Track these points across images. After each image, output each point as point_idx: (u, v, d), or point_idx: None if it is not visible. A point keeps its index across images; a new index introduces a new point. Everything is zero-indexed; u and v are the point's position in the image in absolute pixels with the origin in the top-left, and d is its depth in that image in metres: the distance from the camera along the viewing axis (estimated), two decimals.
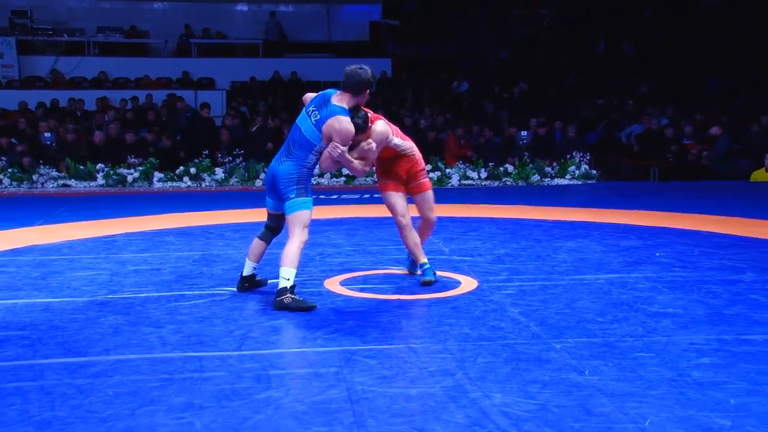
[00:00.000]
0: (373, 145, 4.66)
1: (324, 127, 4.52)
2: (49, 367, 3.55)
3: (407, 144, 5.02)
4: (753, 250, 6.16)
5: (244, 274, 4.94)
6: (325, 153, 4.58)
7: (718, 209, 8.41)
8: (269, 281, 5.04)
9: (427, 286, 4.98)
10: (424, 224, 5.20)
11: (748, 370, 3.42)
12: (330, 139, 4.53)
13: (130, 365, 3.57)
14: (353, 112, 4.58)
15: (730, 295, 4.74)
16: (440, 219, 5.94)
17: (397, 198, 5.00)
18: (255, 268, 4.96)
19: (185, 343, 3.89)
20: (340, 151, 4.51)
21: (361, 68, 4.57)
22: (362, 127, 4.63)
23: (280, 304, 4.48)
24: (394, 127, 4.98)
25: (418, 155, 5.08)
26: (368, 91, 4.65)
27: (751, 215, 7.90)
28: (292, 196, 4.56)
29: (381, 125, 4.77)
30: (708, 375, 3.36)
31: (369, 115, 4.75)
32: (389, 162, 5.00)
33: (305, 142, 4.59)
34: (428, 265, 5.06)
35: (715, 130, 12.72)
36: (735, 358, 3.57)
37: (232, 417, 2.98)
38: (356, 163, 4.65)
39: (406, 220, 5.00)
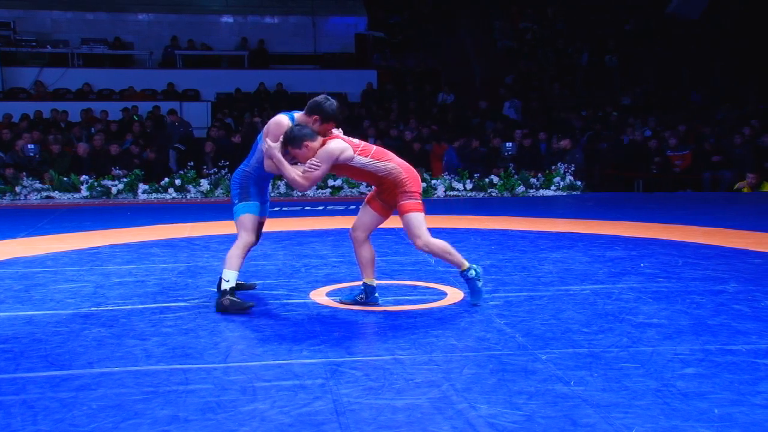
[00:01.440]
0: (316, 162, 4.50)
1: (264, 128, 4.72)
2: (32, 381, 3.51)
3: (381, 164, 4.61)
4: (736, 260, 6.21)
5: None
6: (264, 151, 4.65)
7: (702, 220, 8.48)
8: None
9: (344, 304, 4.84)
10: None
11: (732, 380, 3.44)
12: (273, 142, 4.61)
13: (114, 378, 3.54)
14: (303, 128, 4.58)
15: (713, 305, 4.77)
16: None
17: (363, 210, 4.82)
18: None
19: (170, 356, 3.87)
20: (268, 146, 4.56)
21: (326, 98, 4.66)
22: (309, 136, 4.52)
23: (219, 305, 4.68)
24: (373, 147, 4.73)
25: (402, 176, 4.62)
26: (321, 118, 4.58)
27: (734, 226, 7.97)
28: (236, 201, 4.83)
29: (334, 143, 4.56)
30: (692, 385, 3.38)
31: (336, 135, 4.66)
32: (376, 180, 4.74)
33: (253, 147, 4.81)
34: (365, 289, 4.79)
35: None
36: (719, 368, 3.59)
37: (218, 430, 2.97)
38: (288, 167, 4.52)
39: (354, 234, 4.78)
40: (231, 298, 4.65)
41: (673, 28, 18.45)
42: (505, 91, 16.61)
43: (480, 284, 4.75)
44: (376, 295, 4.83)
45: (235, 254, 4.73)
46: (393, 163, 4.66)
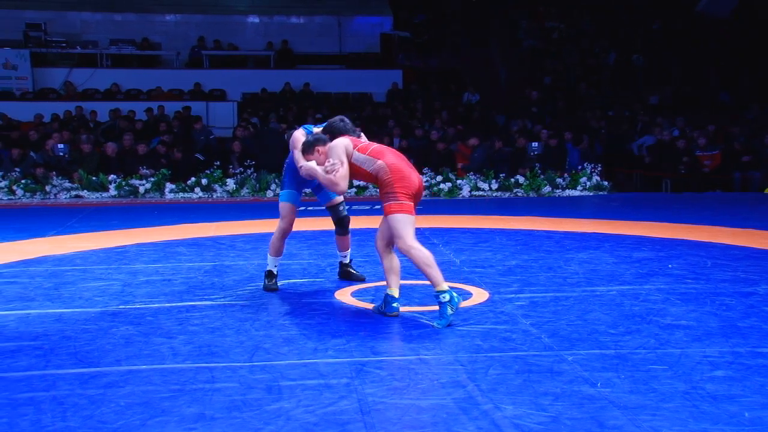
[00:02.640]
0: (332, 160, 4.56)
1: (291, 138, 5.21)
2: (61, 378, 3.56)
3: (375, 163, 4.51)
4: (767, 262, 6.11)
5: (341, 261, 5.66)
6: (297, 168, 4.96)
7: (731, 221, 8.37)
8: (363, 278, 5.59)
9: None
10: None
11: (763, 383, 3.39)
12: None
13: (141, 376, 3.58)
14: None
15: (744, 307, 4.70)
16: (452, 230, 5.95)
17: (382, 218, 4.68)
18: (345, 257, 5.61)
19: (196, 354, 3.89)
20: (301, 165, 4.84)
21: (341, 119, 4.94)
22: (320, 141, 4.77)
23: (264, 286, 5.35)
24: (373, 145, 4.68)
25: (387, 176, 4.45)
26: (331, 137, 4.78)
27: (764, 227, 7.85)
28: (279, 191, 5.46)
29: (336, 140, 4.66)
30: (722, 388, 3.33)
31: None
32: (374, 181, 4.64)
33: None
34: (385, 298, 4.66)
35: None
36: (749, 371, 3.54)
37: (243, 428, 2.98)
38: (321, 173, 4.63)
39: (376, 244, 4.68)
40: (267, 281, 5.31)
41: (702, 27, 18.21)
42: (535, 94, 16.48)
43: (450, 312, 4.32)
44: (395, 305, 4.57)
45: (272, 240, 5.32)
46: (383, 161, 4.49)
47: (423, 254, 4.39)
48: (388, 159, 4.53)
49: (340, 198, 5.42)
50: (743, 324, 4.33)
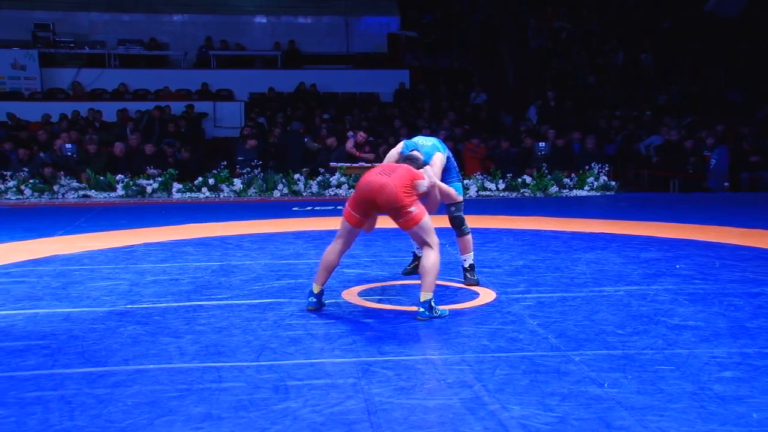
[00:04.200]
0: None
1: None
2: (69, 377, 3.57)
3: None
4: None
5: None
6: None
7: (739, 221, 8.33)
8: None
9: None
10: None
11: None
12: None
13: (148, 375, 3.59)
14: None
15: (752, 308, 4.68)
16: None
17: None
18: (464, 260, 5.47)
19: (203, 354, 3.90)
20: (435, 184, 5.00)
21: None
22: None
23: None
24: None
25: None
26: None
27: None
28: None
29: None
30: (730, 389, 3.32)
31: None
32: None
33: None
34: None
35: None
36: (757, 372, 3.53)
37: (250, 427, 2.99)
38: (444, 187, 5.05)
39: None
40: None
41: (711, 26, 18.13)
42: (536, 92, 16.45)
43: (425, 314, 4.46)
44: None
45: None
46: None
47: (325, 261, 4.71)
48: (366, 176, 4.72)
49: (458, 198, 5.32)
50: (751, 325, 4.31)
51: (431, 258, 4.53)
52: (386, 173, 4.61)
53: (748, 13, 18.06)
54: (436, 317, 4.47)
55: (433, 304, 4.49)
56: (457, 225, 5.37)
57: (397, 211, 4.52)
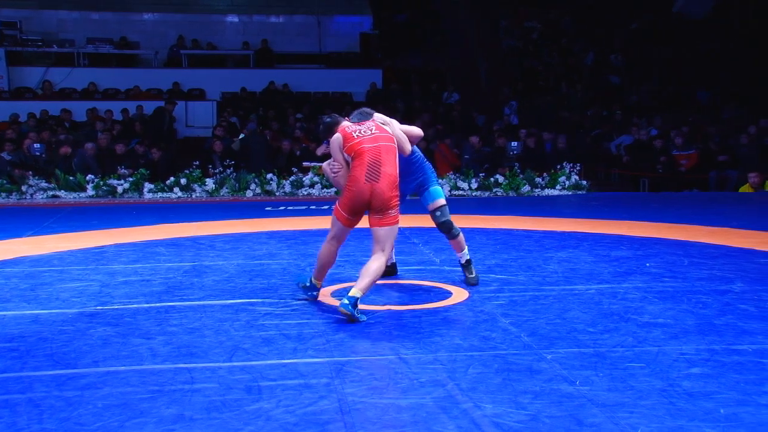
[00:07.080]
0: (333, 161, 4.83)
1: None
2: (38, 380, 3.52)
3: (349, 165, 4.74)
4: (742, 260, 6.19)
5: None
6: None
7: (708, 220, 8.45)
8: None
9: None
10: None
11: (738, 380, 3.43)
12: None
13: (119, 377, 3.55)
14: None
15: (719, 305, 4.75)
16: (432, 229, 5.96)
17: None
18: (461, 258, 5.45)
19: (175, 355, 3.87)
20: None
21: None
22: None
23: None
24: (359, 138, 4.67)
25: (347, 184, 4.71)
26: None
27: (740, 226, 7.94)
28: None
29: (332, 138, 4.83)
30: (698, 385, 3.37)
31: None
32: None
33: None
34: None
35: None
36: (725, 368, 3.58)
37: (223, 429, 2.97)
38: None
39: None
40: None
41: (680, 27, 18.39)
42: (509, 93, 16.57)
43: (348, 307, 4.39)
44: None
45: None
46: (350, 169, 4.67)
47: (322, 255, 4.81)
48: (354, 169, 4.64)
49: (441, 202, 5.31)
50: (719, 321, 4.38)
51: (379, 264, 4.56)
52: (373, 178, 4.57)
53: (715, 14, 18.35)
54: (355, 317, 4.41)
55: (358, 304, 4.47)
56: (446, 230, 5.32)
57: (383, 210, 4.60)
